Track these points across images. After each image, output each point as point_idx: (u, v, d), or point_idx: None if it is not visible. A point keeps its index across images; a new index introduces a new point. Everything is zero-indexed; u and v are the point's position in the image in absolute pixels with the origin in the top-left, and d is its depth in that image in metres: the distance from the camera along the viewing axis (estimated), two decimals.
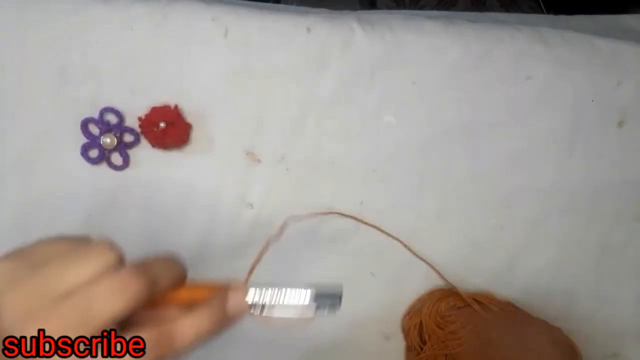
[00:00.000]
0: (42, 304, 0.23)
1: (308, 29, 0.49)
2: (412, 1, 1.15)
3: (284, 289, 0.29)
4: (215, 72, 0.49)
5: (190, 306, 0.28)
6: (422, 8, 1.14)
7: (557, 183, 0.53)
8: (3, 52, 0.47)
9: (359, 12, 0.53)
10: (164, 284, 0.27)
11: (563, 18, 0.60)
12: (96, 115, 0.48)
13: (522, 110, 0.52)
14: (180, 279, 0.28)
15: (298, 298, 0.29)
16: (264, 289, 0.29)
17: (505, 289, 0.53)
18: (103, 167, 0.49)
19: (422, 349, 0.51)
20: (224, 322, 0.28)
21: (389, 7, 1.14)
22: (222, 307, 0.28)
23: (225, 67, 0.49)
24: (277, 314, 0.29)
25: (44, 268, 0.24)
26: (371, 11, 0.54)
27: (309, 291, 0.29)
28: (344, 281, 0.54)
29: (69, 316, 0.23)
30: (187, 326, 0.27)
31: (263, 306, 0.29)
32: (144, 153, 0.49)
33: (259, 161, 0.50)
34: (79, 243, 0.26)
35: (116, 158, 0.49)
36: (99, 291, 0.24)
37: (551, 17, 0.61)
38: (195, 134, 0.49)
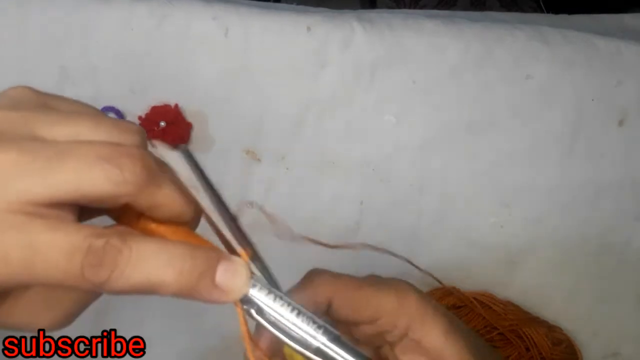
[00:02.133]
0: (11, 134, 0.18)
1: (308, 28, 0.49)
2: (412, 1, 1.15)
3: (298, 311, 0.22)
4: (215, 72, 0.49)
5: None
6: (422, 8, 1.13)
7: (557, 182, 0.53)
8: (4, 52, 0.47)
9: (359, 11, 0.53)
10: (162, 205, 0.20)
11: (563, 17, 0.60)
12: None
13: (522, 110, 0.52)
14: (183, 217, 0.22)
15: (310, 333, 0.22)
16: (276, 295, 0.22)
17: (505, 289, 0.53)
18: None
19: None
20: (199, 288, 0.19)
21: (389, 7, 1.13)
22: (209, 267, 0.20)
23: (225, 66, 0.49)
24: (273, 328, 0.22)
25: (49, 110, 0.20)
26: (371, 10, 0.54)
27: (324, 335, 0.22)
28: None
29: (28, 160, 0.17)
30: (149, 255, 0.18)
31: (259, 309, 0.22)
32: None
33: (259, 160, 0.50)
34: (108, 118, 0.21)
35: None
36: (81, 154, 0.18)
37: (551, 17, 0.61)
38: (195, 134, 0.49)
